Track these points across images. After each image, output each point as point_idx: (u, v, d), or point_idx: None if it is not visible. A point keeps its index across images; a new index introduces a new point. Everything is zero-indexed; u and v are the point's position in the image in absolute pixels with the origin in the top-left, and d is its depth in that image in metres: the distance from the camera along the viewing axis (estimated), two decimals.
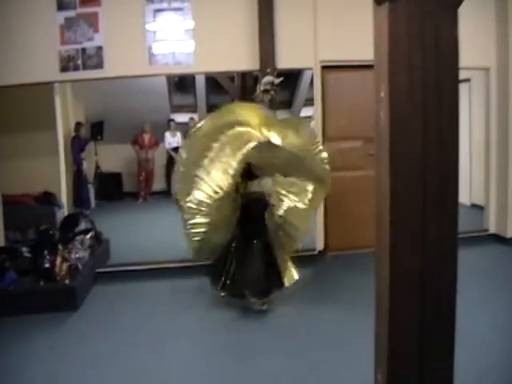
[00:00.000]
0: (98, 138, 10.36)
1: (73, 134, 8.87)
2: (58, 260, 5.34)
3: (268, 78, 5.54)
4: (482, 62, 6.73)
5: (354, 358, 3.78)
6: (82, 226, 6.19)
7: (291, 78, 9.26)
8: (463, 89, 8.10)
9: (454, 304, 1.79)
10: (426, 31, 1.68)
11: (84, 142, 9.19)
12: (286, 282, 4.94)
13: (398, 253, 1.72)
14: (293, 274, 5.01)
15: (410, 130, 1.69)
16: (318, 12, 6.23)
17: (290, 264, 5.03)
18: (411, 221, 1.71)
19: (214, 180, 4.43)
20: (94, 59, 5.93)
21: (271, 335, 4.42)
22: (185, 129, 10.84)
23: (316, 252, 6.48)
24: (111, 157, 10.79)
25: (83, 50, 5.92)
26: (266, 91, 5.42)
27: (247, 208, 4.85)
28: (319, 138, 5.69)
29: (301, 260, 5.35)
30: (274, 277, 4.90)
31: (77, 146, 8.92)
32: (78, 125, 9.09)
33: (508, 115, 6.69)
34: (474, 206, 8.12)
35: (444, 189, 1.73)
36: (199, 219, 4.48)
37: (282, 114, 6.70)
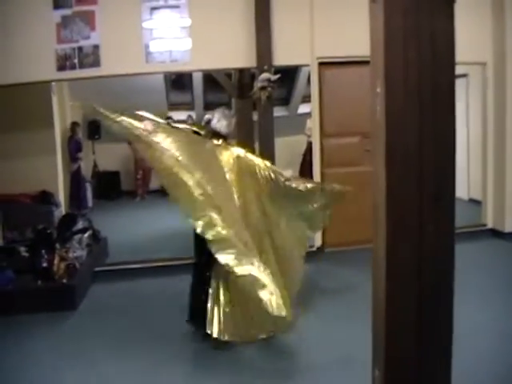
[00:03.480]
0: (96, 136, 10.34)
1: (69, 133, 8.85)
2: (56, 259, 5.33)
3: (265, 75, 5.55)
4: (478, 56, 6.73)
5: (351, 356, 3.78)
6: (80, 224, 6.18)
7: (288, 74, 9.27)
8: (460, 84, 8.09)
9: (452, 299, 1.80)
10: (421, 26, 1.68)
11: (80, 142, 9.18)
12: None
13: (395, 248, 1.72)
14: None
15: (406, 125, 1.69)
16: (315, 9, 6.23)
17: None
18: (408, 215, 1.71)
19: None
20: (90, 58, 5.91)
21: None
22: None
23: (314, 248, 6.47)
24: (109, 155, 10.76)
25: (80, 48, 5.90)
26: (263, 88, 5.43)
27: None
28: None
29: None
30: None
31: (73, 145, 8.90)
32: (74, 125, 9.07)
33: (505, 110, 6.69)
34: (471, 200, 8.13)
35: (441, 183, 1.73)
36: None
37: (279, 111, 6.70)
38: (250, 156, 4.32)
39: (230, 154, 4.21)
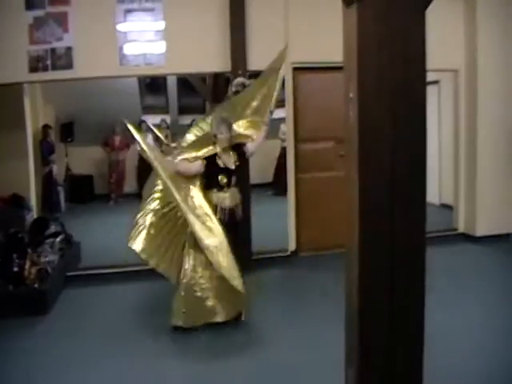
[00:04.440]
0: (69, 139, 10.24)
1: (41, 136, 8.75)
2: (28, 264, 5.25)
3: (239, 80, 5.56)
4: (450, 63, 6.83)
5: (324, 359, 3.80)
6: (52, 229, 6.11)
7: None
8: (432, 90, 8.22)
9: (423, 300, 1.82)
10: (394, 32, 1.71)
11: (52, 144, 9.09)
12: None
13: (368, 251, 1.74)
14: None
15: (379, 130, 1.71)
16: (290, 14, 6.26)
17: None
18: (380, 219, 1.73)
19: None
20: (63, 59, 5.85)
21: (243, 341, 4.43)
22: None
23: (288, 253, 6.49)
24: (82, 159, 10.66)
25: (52, 50, 5.84)
26: (237, 92, 5.42)
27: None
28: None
29: (273, 261, 5.37)
30: None
31: (45, 148, 8.80)
32: (46, 127, 8.97)
33: (476, 116, 6.80)
34: (443, 205, 8.25)
35: (412, 187, 1.76)
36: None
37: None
38: None
39: None
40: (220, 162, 4.63)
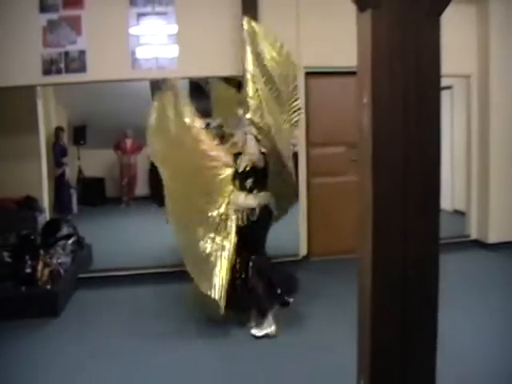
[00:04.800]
0: (81, 142, 10.28)
1: (54, 138, 8.80)
2: (40, 265, 5.28)
3: None
4: (463, 69, 6.80)
5: (337, 366, 3.78)
6: (64, 231, 6.13)
7: None
8: (445, 96, 8.17)
9: (436, 308, 1.81)
10: (407, 38, 1.70)
11: (65, 147, 9.14)
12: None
13: (381, 258, 1.73)
14: None
15: (392, 136, 1.70)
16: (302, 19, 6.25)
17: None
18: (393, 226, 1.72)
19: None
20: (76, 63, 5.89)
21: (254, 347, 4.42)
22: None
23: (299, 257, 6.48)
24: (94, 161, 10.71)
25: (66, 53, 5.87)
26: None
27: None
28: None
29: (284, 265, 5.35)
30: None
31: (58, 150, 8.85)
32: (59, 129, 9.01)
33: (489, 122, 6.76)
34: (456, 212, 8.18)
35: (425, 194, 1.74)
36: None
37: None
38: None
39: None
40: (238, 163, 4.62)
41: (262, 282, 4.54)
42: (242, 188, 4.59)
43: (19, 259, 5.34)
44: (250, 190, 4.57)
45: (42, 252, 5.48)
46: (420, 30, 1.70)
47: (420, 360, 1.82)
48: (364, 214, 1.78)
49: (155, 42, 6.07)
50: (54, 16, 5.84)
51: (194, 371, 3.95)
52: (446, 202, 8.33)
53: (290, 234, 6.52)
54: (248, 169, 4.55)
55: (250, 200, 4.55)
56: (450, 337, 3.30)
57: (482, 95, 6.88)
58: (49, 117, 8.20)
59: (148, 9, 6.01)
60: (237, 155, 4.64)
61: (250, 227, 4.57)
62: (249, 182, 4.56)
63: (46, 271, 5.28)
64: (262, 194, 4.58)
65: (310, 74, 6.46)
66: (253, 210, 4.54)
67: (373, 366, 1.77)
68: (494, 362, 3.85)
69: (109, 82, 6.26)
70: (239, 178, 4.61)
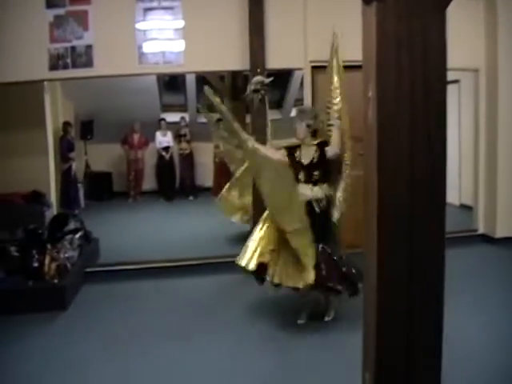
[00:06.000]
0: (88, 137, 10.32)
1: (61, 133, 8.84)
2: (47, 259, 5.31)
3: (258, 78, 5.53)
4: (471, 63, 6.75)
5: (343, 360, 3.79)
6: (71, 225, 6.16)
7: (281, 78, 9.29)
8: (452, 90, 8.14)
9: (442, 303, 1.80)
10: (413, 31, 1.69)
11: (72, 142, 9.17)
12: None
13: (386, 253, 1.73)
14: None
15: (398, 129, 1.69)
16: (308, 13, 6.23)
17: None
18: (398, 219, 1.72)
19: None
20: (83, 58, 5.90)
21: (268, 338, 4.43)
22: (175, 128, 10.84)
23: None
24: (101, 156, 10.76)
25: (73, 48, 5.88)
26: (256, 91, 5.41)
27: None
28: None
29: None
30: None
31: (65, 145, 8.88)
32: (66, 124, 9.05)
33: (497, 116, 6.72)
34: (462, 206, 8.16)
35: (431, 188, 1.74)
36: None
37: (272, 115, 6.69)
38: None
39: None
40: (297, 155, 4.61)
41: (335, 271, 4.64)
42: (307, 180, 4.58)
43: (26, 253, 5.37)
44: (315, 183, 4.58)
45: (49, 246, 5.51)
46: (426, 23, 1.69)
47: (426, 356, 1.81)
48: (370, 208, 1.77)
49: (162, 37, 6.07)
50: (60, 11, 5.85)
51: (202, 366, 3.97)
52: (454, 196, 8.31)
53: None
54: (315, 161, 4.58)
55: (318, 191, 4.58)
56: (457, 333, 3.29)
57: (490, 89, 6.83)
58: (56, 112, 8.24)
59: (154, 3, 6.01)
60: (292, 148, 4.64)
61: (319, 217, 4.61)
62: (316, 174, 4.58)
63: (53, 265, 5.31)
64: (325, 185, 4.63)
65: (317, 68, 6.43)
66: (320, 200, 4.59)
67: (378, 363, 1.77)
68: (501, 358, 3.82)
69: (115, 76, 6.27)
70: (304, 170, 4.59)
